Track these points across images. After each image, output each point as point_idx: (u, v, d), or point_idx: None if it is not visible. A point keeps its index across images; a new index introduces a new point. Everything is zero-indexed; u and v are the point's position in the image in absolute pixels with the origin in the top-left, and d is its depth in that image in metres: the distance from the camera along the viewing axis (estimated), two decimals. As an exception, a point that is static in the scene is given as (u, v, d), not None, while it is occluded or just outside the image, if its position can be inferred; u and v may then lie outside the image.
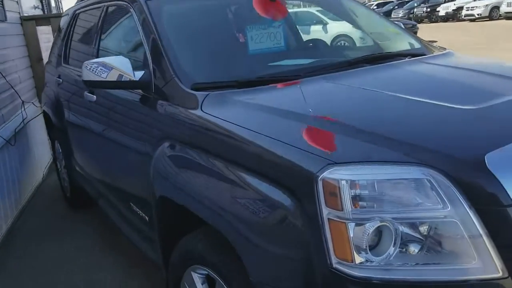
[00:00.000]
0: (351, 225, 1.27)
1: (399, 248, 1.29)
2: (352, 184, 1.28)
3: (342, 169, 1.31)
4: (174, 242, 1.98)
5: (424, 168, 1.29)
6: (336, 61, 2.47)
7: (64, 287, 2.91)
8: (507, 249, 1.25)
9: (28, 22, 5.72)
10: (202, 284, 1.82)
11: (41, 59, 5.64)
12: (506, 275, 1.25)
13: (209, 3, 2.76)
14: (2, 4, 4.81)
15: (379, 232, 1.30)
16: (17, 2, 5.71)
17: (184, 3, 2.74)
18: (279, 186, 1.43)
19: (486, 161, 1.28)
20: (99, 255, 3.24)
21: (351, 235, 1.27)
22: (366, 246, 1.26)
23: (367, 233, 1.26)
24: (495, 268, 1.25)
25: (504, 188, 1.25)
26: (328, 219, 1.29)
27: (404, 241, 1.29)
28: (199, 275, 1.82)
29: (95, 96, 2.86)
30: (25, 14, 5.95)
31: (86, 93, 3.00)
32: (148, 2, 2.50)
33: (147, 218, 2.35)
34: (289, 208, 1.39)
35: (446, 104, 1.65)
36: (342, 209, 1.27)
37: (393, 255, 1.28)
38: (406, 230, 1.30)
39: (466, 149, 1.36)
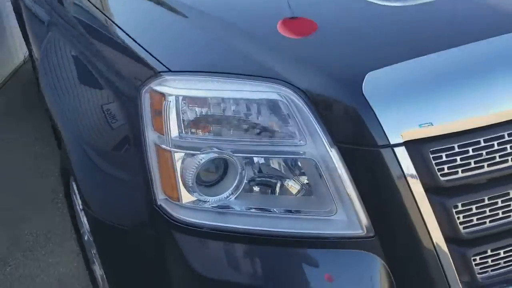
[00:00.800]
0: (178, 155, 0.97)
1: (242, 189, 0.99)
2: (184, 101, 0.96)
3: (175, 80, 0.98)
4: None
5: (282, 87, 0.94)
6: None
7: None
8: (375, 202, 0.94)
9: None
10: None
11: None
12: (371, 234, 0.95)
13: None
14: None
15: (224, 167, 1.00)
16: None
17: None
18: (119, 94, 1.12)
19: (363, 84, 0.91)
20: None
21: (177, 167, 0.97)
22: (193, 183, 0.96)
23: (196, 166, 0.95)
24: (358, 225, 0.95)
25: (379, 123, 0.90)
26: (155, 145, 1.00)
27: (251, 181, 1.00)
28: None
29: None
30: None
31: None
32: None
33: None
34: (123, 128, 1.09)
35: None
36: (167, 134, 0.97)
37: (234, 196, 0.99)
38: (254, 166, 1.00)
39: (348, 64, 0.99)
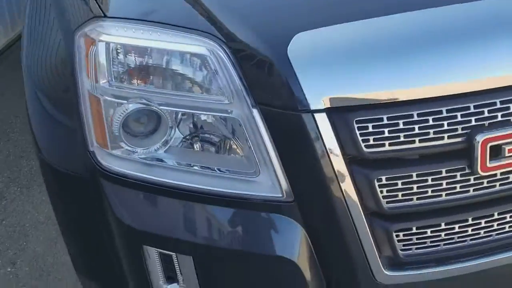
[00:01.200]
0: (105, 103, 0.97)
1: (180, 144, 0.99)
2: (115, 48, 0.95)
3: (107, 25, 0.97)
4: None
5: (210, 41, 0.92)
6: None
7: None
8: (295, 168, 0.92)
9: None
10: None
11: None
12: (291, 199, 0.94)
13: None
14: None
15: (157, 120, 0.99)
16: None
17: None
18: (66, 38, 1.12)
19: (289, 45, 0.87)
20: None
21: (104, 115, 0.98)
22: (119, 132, 0.96)
23: (122, 115, 0.95)
24: (279, 189, 0.94)
25: (301, 87, 0.86)
26: (88, 91, 1.00)
27: (186, 137, 0.99)
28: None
29: None
30: None
31: None
32: None
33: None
34: (67, 73, 1.09)
35: None
36: (95, 81, 0.97)
37: (163, 150, 0.99)
38: (188, 122, 0.99)
39: (278, 23, 0.94)
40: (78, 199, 1.11)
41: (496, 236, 1.00)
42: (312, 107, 0.86)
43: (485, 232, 0.99)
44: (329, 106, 0.86)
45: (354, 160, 0.90)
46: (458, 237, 0.98)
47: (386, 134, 0.88)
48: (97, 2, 1.02)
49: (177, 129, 0.98)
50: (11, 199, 2.33)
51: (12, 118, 2.93)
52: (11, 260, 2.02)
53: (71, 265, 1.31)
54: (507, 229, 1.00)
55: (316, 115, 0.87)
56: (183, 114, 0.98)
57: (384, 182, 0.91)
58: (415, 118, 0.88)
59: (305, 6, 0.96)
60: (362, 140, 0.88)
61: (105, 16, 0.98)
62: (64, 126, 1.14)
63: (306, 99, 0.86)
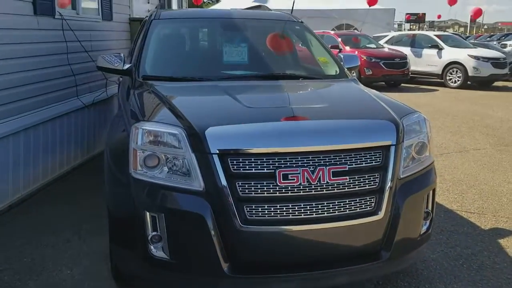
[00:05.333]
0: (138, 152, 2.49)
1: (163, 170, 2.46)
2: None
3: (142, 123, 2.54)
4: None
5: (180, 128, 2.44)
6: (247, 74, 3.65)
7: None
8: (209, 176, 2.34)
9: (134, 22, 7.55)
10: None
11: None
12: (204, 190, 2.35)
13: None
14: (111, 8, 6.65)
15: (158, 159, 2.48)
16: (129, 6, 7.59)
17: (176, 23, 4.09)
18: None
19: (206, 130, 2.39)
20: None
21: (138, 157, 2.49)
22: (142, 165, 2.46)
23: (142, 157, 2.46)
24: (200, 186, 2.36)
25: (208, 143, 2.35)
26: (133, 148, 2.52)
27: (167, 168, 2.46)
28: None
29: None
30: (135, 16, 7.81)
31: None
32: (154, 20, 3.92)
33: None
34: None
35: (242, 103, 2.74)
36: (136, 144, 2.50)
37: (159, 172, 2.46)
38: (169, 161, 2.46)
39: (204, 121, 2.47)
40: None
41: (304, 217, 2.35)
42: (211, 151, 2.34)
43: (296, 212, 2.34)
44: (217, 152, 2.33)
45: (227, 173, 2.33)
46: (280, 212, 2.34)
47: (243, 163, 2.33)
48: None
49: (165, 165, 2.45)
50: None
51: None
52: None
53: None
54: (309, 213, 2.36)
55: (213, 155, 2.33)
56: (167, 159, 2.46)
57: (241, 185, 2.32)
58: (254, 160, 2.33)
59: (215, 116, 2.52)
60: (230, 163, 2.32)
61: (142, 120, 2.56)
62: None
63: (210, 149, 2.34)
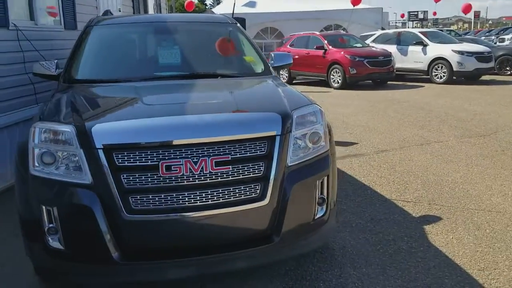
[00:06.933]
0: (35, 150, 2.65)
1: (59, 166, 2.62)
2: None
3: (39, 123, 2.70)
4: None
5: (71, 126, 2.60)
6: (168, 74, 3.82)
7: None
8: (96, 170, 2.50)
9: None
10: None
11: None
12: (93, 184, 2.50)
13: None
14: (74, 17, 6.86)
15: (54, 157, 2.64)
16: (97, 15, 7.80)
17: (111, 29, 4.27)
18: None
19: (92, 127, 2.55)
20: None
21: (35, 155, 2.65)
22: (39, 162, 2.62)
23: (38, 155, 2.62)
24: (88, 178, 2.51)
25: (93, 139, 2.51)
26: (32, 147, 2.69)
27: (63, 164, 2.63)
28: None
29: None
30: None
31: None
32: (88, 27, 4.10)
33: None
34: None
35: (143, 102, 2.91)
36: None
37: (54, 169, 2.62)
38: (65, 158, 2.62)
39: (93, 120, 2.63)
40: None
41: (189, 205, 2.50)
42: (97, 147, 2.50)
43: (180, 201, 2.49)
44: (102, 147, 2.49)
45: (113, 167, 2.48)
46: (165, 201, 2.48)
47: (127, 156, 2.48)
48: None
49: (60, 162, 2.61)
50: None
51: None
52: None
53: None
54: (193, 201, 2.51)
55: (99, 150, 2.49)
56: (61, 155, 2.61)
57: (125, 177, 2.47)
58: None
59: (109, 114, 2.69)
60: (115, 157, 2.48)
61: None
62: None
63: (95, 145, 2.50)
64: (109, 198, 2.48)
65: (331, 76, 14.19)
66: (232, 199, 2.59)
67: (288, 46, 15.80)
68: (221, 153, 2.57)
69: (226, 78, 3.79)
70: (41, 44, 5.82)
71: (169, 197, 2.51)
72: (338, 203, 3.26)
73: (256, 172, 2.63)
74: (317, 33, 15.84)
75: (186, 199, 2.53)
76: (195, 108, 2.94)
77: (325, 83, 14.58)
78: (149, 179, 2.50)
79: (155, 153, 2.51)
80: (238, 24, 4.51)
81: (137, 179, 2.50)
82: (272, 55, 4.35)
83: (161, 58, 4.08)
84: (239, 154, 2.60)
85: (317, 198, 2.86)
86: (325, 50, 14.37)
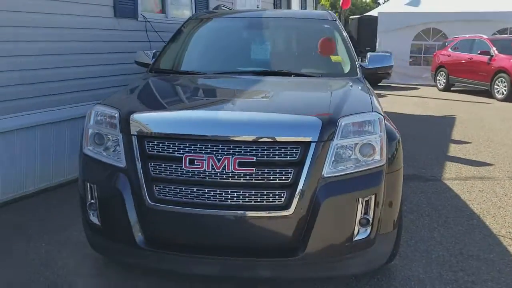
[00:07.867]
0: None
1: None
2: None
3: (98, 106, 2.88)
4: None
5: (116, 110, 2.73)
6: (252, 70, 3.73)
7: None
8: (129, 156, 2.58)
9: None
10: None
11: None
12: (126, 168, 2.59)
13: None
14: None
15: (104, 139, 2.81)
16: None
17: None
18: None
19: (132, 114, 2.63)
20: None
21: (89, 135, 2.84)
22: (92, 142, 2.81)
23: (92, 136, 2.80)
24: (123, 162, 2.61)
25: (130, 126, 2.59)
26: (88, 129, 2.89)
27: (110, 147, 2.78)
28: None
29: None
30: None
31: None
32: (188, 21, 4.31)
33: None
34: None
35: (195, 94, 2.91)
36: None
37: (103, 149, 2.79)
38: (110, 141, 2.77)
39: (137, 108, 2.70)
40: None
41: (208, 202, 2.44)
42: (132, 133, 2.57)
43: (200, 196, 2.45)
44: (135, 133, 2.56)
45: (143, 154, 2.53)
46: (185, 195, 2.46)
47: (156, 145, 2.51)
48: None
49: (108, 143, 2.76)
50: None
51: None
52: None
53: None
54: (212, 199, 2.44)
55: (133, 136, 2.56)
56: (108, 137, 2.75)
57: (153, 165, 2.51)
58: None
59: (155, 103, 2.76)
60: (146, 145, 2.53)
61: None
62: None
63: (131, 130, 2.58)
64: (137, 184, 2.54)
65: (495, 86, 12.53)
66: (253, 203, 2.43)
67: (449, 49, 14.44)
68: (246, 154, 2.43)
69: (299, 77, 3.58)
70: (170, 36, 6.27)
71: (189, 191, 2.47)
72: (402, 228, 2.84)
73: (283, 178, 2.43)
74: (484, 36, 14.13)
75: (206, 196, 2.45)
76: (235, 105, 2.86)
77: (488, 93, 12.96)
78: (173, 170, 2.49)
79: (181, 145, 2.49)
80: (337, 21, 4.24)
81: (163, 169, 2.51)
82: (368, 55, 3.99)
83: (250, 53, 4.04)
84: (266, 157, 2.43)
85: (359, 217, 2.52)
86: (491, 56, 12.74)
